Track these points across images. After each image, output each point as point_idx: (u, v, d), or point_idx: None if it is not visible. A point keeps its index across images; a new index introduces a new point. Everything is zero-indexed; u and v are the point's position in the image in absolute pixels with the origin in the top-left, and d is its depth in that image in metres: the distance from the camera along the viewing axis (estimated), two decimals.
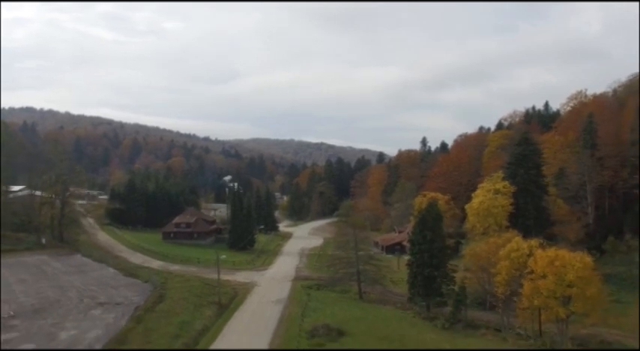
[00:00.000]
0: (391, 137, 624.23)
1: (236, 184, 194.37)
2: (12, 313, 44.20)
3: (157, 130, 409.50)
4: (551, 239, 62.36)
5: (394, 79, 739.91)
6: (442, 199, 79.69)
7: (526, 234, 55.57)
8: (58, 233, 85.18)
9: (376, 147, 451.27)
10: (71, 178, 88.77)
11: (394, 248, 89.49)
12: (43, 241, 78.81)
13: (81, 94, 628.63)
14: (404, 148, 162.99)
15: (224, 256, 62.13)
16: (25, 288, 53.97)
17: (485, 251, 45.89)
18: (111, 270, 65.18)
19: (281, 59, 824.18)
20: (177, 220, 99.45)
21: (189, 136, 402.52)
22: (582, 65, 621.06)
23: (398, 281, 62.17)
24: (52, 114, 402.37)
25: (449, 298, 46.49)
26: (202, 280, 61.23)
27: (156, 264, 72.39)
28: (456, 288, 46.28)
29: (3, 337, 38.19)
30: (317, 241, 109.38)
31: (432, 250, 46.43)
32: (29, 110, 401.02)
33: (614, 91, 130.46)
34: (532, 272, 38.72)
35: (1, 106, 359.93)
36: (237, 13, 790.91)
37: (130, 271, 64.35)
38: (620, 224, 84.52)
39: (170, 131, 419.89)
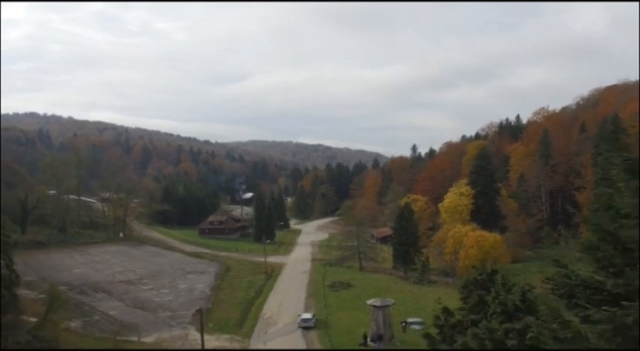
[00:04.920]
0: (388, 137, 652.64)
1: (243, 186, 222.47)
2: (138, 276, 71.66)
3: (158, 133, 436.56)
4: (503, 230, 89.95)
5: (393, 79, 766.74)
6: (422, 201, 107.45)
7: (483, 225, 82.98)
8: (121, 230, 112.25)
9: (372, 147, 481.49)
10: (131, 186, 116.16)
11: (387, 239, 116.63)
12: (121, 235, 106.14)
13: (79, 95, 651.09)
14: (400, 147, 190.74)
15: (268, 241, 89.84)
16: (129, 264, 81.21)
17: (442, 235, 73.69)
18: (179, 254, 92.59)
19: (281, 60, 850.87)
20: (211, 218, 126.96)
21: (189, 140, 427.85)
22: (586, 64, 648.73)
23: (387, 260, 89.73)
24: (55, 119, 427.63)
25: (419, 265, 74.14)
26: (248, 260, 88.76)
27: (206, 251, 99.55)
28: (423, 259, 73.98)
29: (146, 286, 65.74)
30: (323, 236, 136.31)
31: (408, 234, 74.34)
32: (33, 116, 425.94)
33: (577, 104, 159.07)
34: (466, 245, 66.45)
35: (6, 112, 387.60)
36: (237, 13, 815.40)
37: (195, 254, 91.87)
38: (569, 219, 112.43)
39: (171, 134, 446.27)
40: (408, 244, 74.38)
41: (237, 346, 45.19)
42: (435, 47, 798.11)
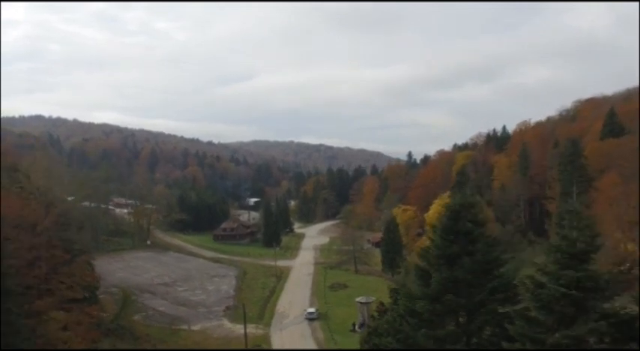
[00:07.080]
0: (390, 135, 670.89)
1: (249, 192, 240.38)
2: (172, 279, 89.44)
3: (162, 135, 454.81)
4: None
5: (395, 79, 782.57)
6: (411, 210, 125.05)
7: None
8: (148, 237, 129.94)
9: (373, 146, 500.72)
10: (151, 196, 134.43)
11: (380, 244, 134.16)
12: (148, 242, 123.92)
13: (80, 96, 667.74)
14: (403, 146, 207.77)
15: (278, 248, 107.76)
16: (161, 269, 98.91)
17: (422, 243, 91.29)
18: (201, 260, 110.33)
19: (283, 61, 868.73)
20: (223, 225, 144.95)
21: (193, 141, 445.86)
22: (589, 63, 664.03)
23: (379, 263, 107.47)
24: (61, 121, 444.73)
25: (403, 269, 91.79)
26: (260, 264, 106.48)
27: (224, 257, 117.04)
28: (406, 263, 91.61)
29: (181, 287, 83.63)
30: (325, 240, 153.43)
31: (393, 243, 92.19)
32: (40, 118, 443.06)
33: (560, 114, 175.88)
34: None
35: (12, 115, 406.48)
36: (237, 14, 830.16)
37: (215, 260, 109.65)
38: (543, 226, 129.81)
39: (175, 136, 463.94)
40: (393, 252, 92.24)
41: (260, 332, 63.07)
42: (438, 47, 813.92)
